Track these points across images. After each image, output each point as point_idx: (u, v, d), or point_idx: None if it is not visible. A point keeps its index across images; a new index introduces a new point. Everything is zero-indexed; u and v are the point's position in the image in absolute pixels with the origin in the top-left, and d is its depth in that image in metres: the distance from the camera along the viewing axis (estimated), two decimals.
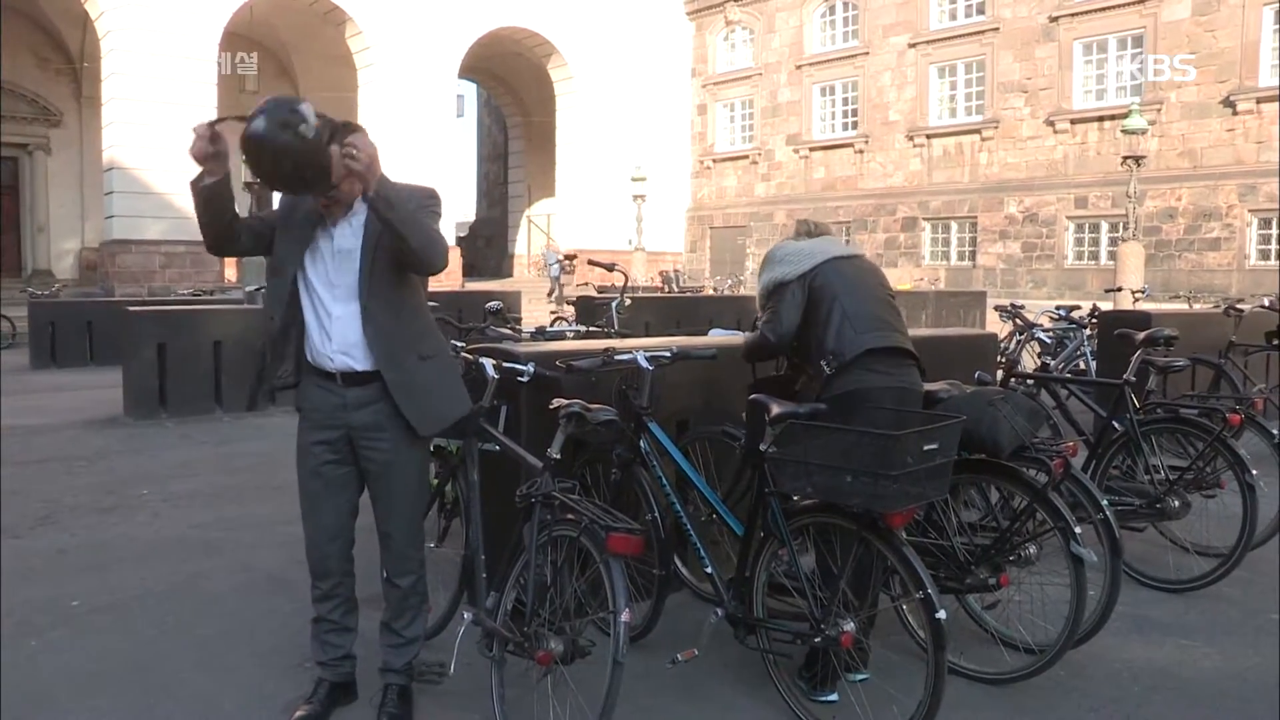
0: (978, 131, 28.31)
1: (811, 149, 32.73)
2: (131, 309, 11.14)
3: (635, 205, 30.62)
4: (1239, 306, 9.16)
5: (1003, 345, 9.02)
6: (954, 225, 29.27)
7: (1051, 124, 26.63)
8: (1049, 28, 26.67)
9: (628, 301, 9.95)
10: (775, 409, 3.40)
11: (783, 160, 33.62)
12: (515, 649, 3.27)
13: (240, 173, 3.41)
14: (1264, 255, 23.45)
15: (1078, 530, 3.63)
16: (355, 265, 3.22)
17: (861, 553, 3.34)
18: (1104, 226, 25.82)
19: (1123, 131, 21.22)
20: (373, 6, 28.37)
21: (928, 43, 29.44)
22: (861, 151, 31.27)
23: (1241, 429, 5.22)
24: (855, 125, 31.59)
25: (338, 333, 3.23)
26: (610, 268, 10.18)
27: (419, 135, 28.55)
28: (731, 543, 3.93)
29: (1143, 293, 15.38)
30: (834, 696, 3.56)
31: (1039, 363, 8.12)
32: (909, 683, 3.38)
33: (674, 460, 4.06)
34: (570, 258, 9.59)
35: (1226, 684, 3.90)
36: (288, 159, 2.93)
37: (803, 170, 33.01)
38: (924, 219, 29.78)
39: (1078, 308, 10.23)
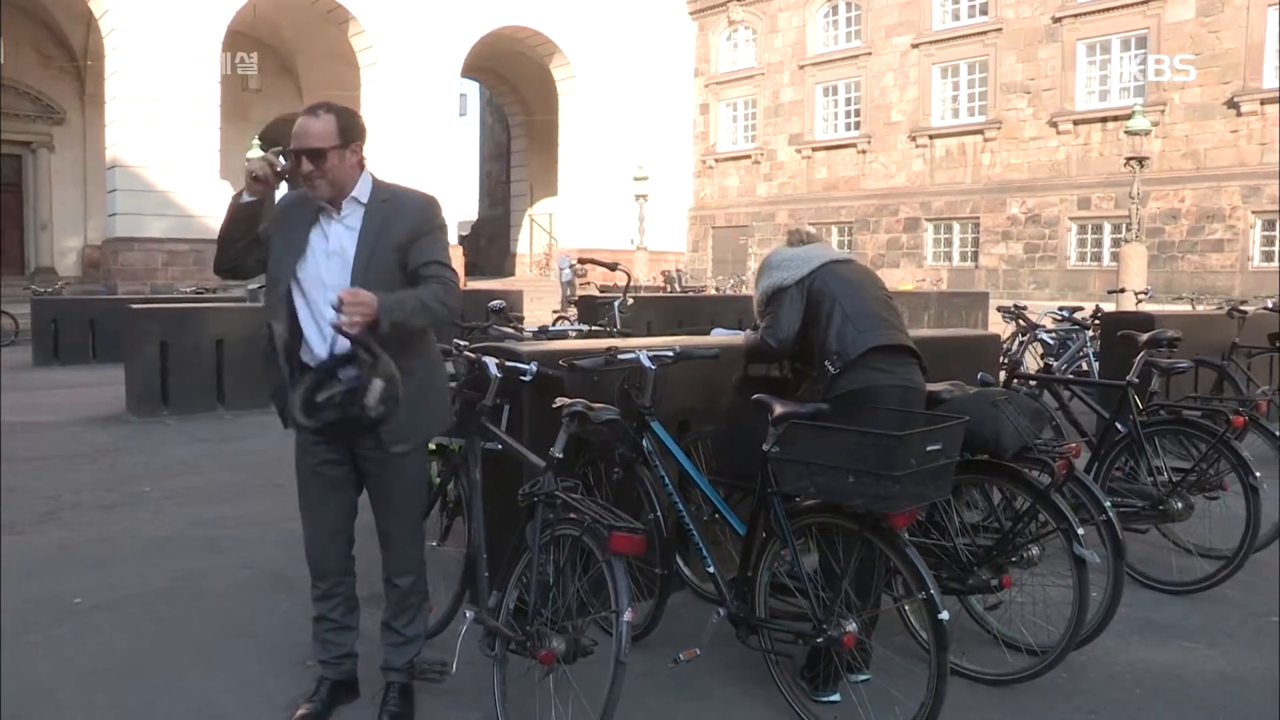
0: (980, 132, 28.30)
1: (814, 149, 32.72)
2: (134, 306, 11.16)
3: (637, 204, 30.61)
4: (1242, 308, 9.16)
5: (1005, 346, 9.01)
6: (956, 226, 29.26)
7: (1054, 125, 26.62)
8: (1052, 28, 26.65)
9: (630, 301, 9.97)
10: (778, 409, 3.40)
11: (785, 160, 33.61)
12: (517, 648, 3.27)
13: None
14: (1267, 257, 23.43)
15: (1080, 531, 3.63)
16: (348, 267, 3.20)
17: (864, 553, 3.34)
18: (1107, 228, 25.81)
19: (1126, 133, 21.21)
20: (376, 5, 28.37)
21: (930, 43, 29.42)
22: (864, 152, 31.26)
23: (1245, 431, 5.21)
24: (858, 125, 31.59)
25: (330, 333, 3.21)
26: (613, 267, 10.22)
27: (421, 134, 28.58)
28: (734, 542, 3.93)
29: (1146, 294, 15.39)
30: (836, 697, 3.56)
31: (1042, 364, 8.11)
32: (911, 683, 3.38)
33: (676, 459, 4.07)
34: (584, 263, 9.56)
35: (1229, 687, 3.89)
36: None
37: (805, 170, 33.01)
38: (926, 219, 29.77)
39: (1080, 309, 10.23)
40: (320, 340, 3.22)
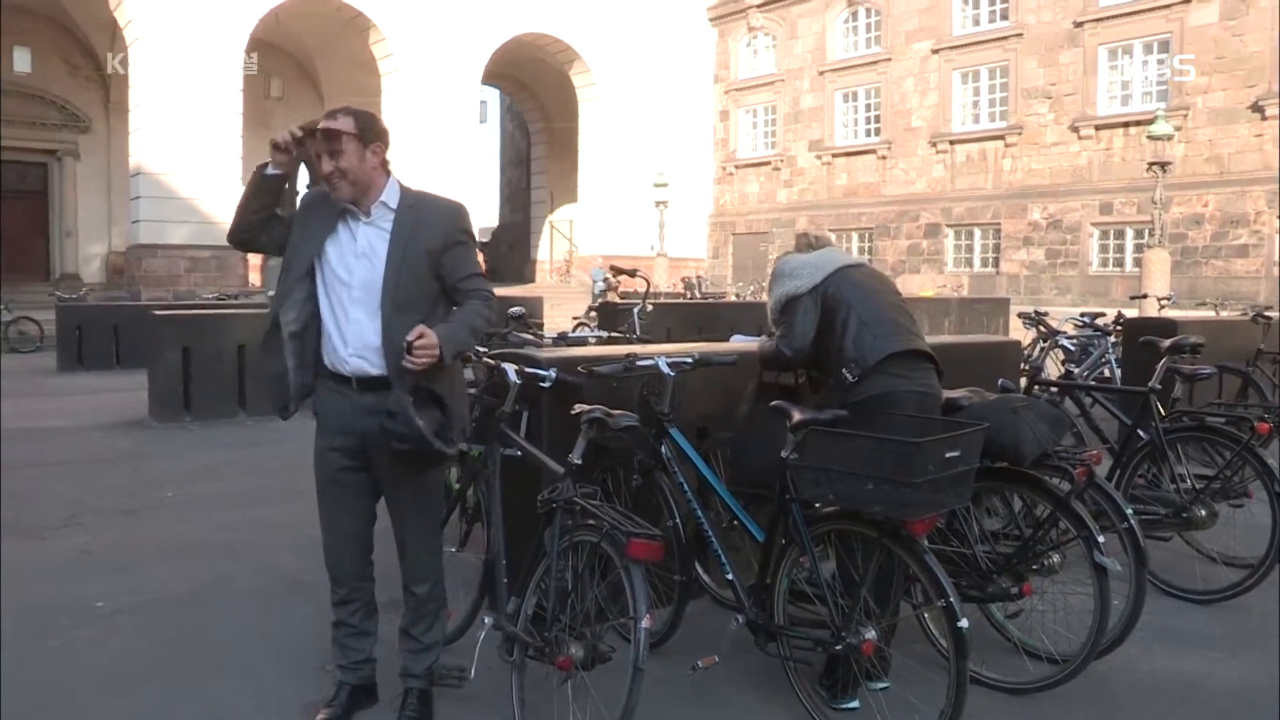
0: (1001, 137, 28.16)
1: (834, 155, 32.65)
2: (156, 313, 11.24)
3: (657, 211, 30.62)
4: (1267, 314, 9.09)
5: (1026, 352, 8.97)
6: (977, 232, 29.13)
7: (1076, 130, 26.47)
8: (1073, 33, 26.51)
9: (649, 307, 9.98)
10: (797, 415, 3.39)
11: (805, 166, 33.55)
12: (535, 654, 3.27)
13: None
14: None
15: (1101, 539, 3.60)
16: (377, 269, 3.22)
17: (883, 560, 3.33)
18: (1129, 233, 25.63)
19: (1148, 137, 21.07)
20: (396, 13, 28.51)
21: (951, 48, 29.32)
22: (884, 158, 31.17)
23: (1270, 438, 5.14)
24: (878, 131, 31.50)
25: (354, 335, 3.23)
26: (632, 274, 10.24)
27: (442, 141, 28.68)
28: (752, 549, 3.91)
29: (1169, 300, 15.29)
30: (855, 704, 3.55)
31: (1063, 370, 8.07)
32: (930, 692, 3.36)
33: (695, 466, 4.06)
34: (617, 273, 9.59)
35: (1252, 697, 3.86)
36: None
37: (825, 177, 32.95)
38: (947, 225, 29.65)
39: (1102, 315, 10.16)
40: (340, 341, 3.26)
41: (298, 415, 3.44)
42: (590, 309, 25.94)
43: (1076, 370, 8.51)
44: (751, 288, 29.06)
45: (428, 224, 3.27)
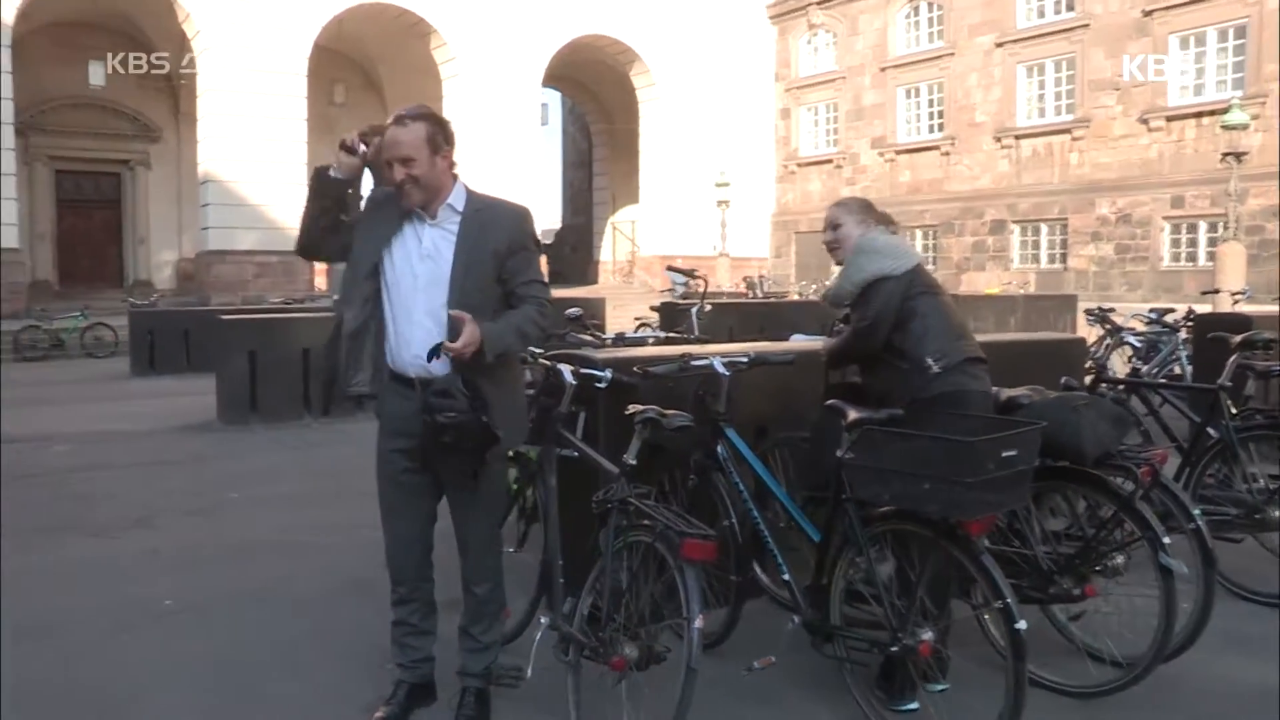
0: (1068, 131, 27.63)
1: (897, 152, 32.29)
2: (225, 317, 11.47)
3: (719, 211, 30.53)
4: None
5: (1091, 350, 8.79)
6: (1044, 228, 28.62)
7: (1145, 121, 25.87)
8: (1142, 22, 25.91)
9: (707, 307, 9.96)
10: (852, 414, 3.36)
11: (867, 164, 33.23)
12: (591, 654, 3.28)
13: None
14: None
15: (1166, 540, 3.51)
16: (443, 272, 3.25)
17: (940, 561, 3.28)
18: (1202, 226, 25.01)
19: (1223, 127, 20.55)
20: (457, 18, 28.77)
21: (1015, 41, 28.82)
22: (948, 154, 30.76)
23: None
24: (941, 127, 31.09)
25: (418, 338, 3.25)
26: (690, 274, 10.24)
27: (504, 144, 28.87)
28: (809, 550, 3.88)
29: (1243, 294, 14.90)
30: (914, 705, 3.50)
31: (1131, 367, 7.90)
32: (989, 694, 3.31)
33: (752, 466, 4.04)
34: (691, 273, 9.65)
35: None
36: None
37: (888, 173, 32.60)
38: (1012, 221, 29.17)
39: (1171, 310, 9.94)
40: (403, 343, 3.29)
41: (361, 417, 3.48)
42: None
43: (1144, 367, 8.33)
44: (814, 286, 28.82)
45: (493, 228, 3.29)
